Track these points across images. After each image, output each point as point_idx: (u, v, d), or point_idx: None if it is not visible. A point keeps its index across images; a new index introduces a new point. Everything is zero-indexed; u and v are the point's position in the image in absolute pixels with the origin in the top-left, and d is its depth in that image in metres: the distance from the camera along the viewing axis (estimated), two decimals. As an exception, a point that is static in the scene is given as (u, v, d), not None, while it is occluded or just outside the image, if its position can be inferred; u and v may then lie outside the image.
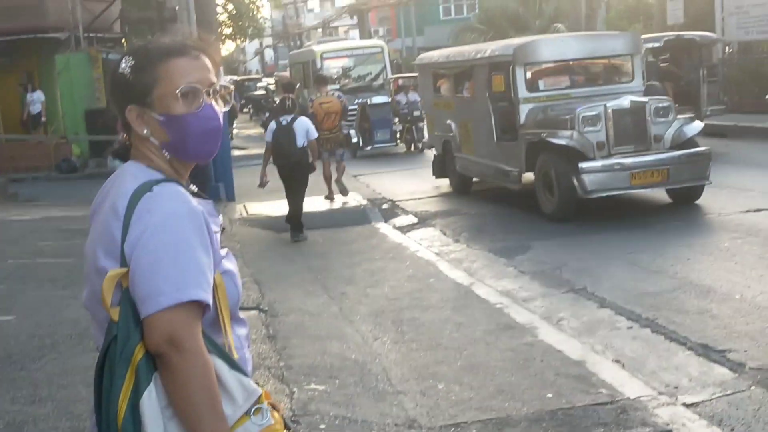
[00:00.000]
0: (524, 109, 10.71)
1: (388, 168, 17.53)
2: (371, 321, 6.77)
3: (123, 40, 23.40)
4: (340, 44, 27.99)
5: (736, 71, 20.61)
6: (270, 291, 7.56)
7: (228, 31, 37.76)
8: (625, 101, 10.01)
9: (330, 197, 12.91)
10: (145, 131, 1.89)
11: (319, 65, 23.38)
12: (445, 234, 10.31)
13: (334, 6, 66.31)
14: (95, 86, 20.03)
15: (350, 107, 21.24)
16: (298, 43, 59.22)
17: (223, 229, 7.30)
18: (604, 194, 9.73)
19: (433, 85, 14.22)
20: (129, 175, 1.89)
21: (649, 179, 9.73)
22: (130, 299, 1.76)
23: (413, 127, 19.90)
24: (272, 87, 40.31)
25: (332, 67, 23.91)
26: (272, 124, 10.49)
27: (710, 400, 4.69)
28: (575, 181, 9.64)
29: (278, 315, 6.79)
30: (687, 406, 4.62)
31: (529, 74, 10.93)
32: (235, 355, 1.86)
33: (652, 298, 6.67)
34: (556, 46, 11.50)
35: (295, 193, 10.41)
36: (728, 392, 4.76)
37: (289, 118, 10.29)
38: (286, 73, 43.93)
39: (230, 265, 1.95)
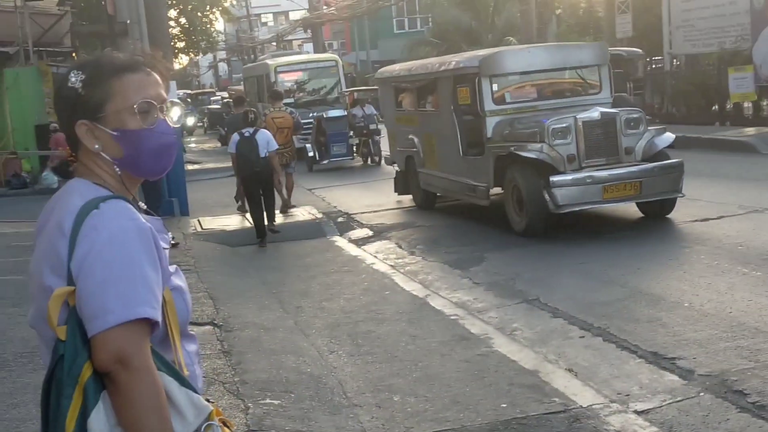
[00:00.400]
0: (491, 123, 10.44)
1: (343, 181, 17.54)
2: (327, 334, 6.77)
3: (73, 54, 23.12)
4: (294, 58, 27.98)
5: (683, 83, 21.05)
6: (224, 306, 7.51)
7: (181, 44, 37.47)
8: (595, 113, 9.77)
9: (287, 206, 13.16)
10: (96, 146, 1.88)
11: (273, 79, 23.40)
12: (400, 246, 10.35)
13: (288, 20, 66.28)
14: (45, 101, 19.76)
15: (306, 121, 20.82)
16: (252, 56, 59.07)
17: (175, 244, 7.27)
18: (576, 209, 9.44)
19: (394, 99, 13.86)
20: (75, 192, 1.87)
21: (622, 192, 9.46)
22: (77, 318, 1.74)
23: (369, 141, 19.88)
24: (229, 101, 40.17)
25: (286, 80, 23.98)
26: (235, 136, 10.99)
27: (661, 407, 4.78)
28: (546, 196, 9.33)
29: (233, 330, 6.75)
30: (638, 413, 4.70)
31: (495, 86, 10.62)
32: (186, 372, 1.86)
33: (604, 308, 6.77)
34: (523, 57, 11.02)
35: (265, 202, 10.97)
36: (678, 399, 4.85)
37: (251, 130, 10.87)
38: (241, 87, 43.83)
39: (179, 281, 1.94)
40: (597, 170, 9.48)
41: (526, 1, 26.05)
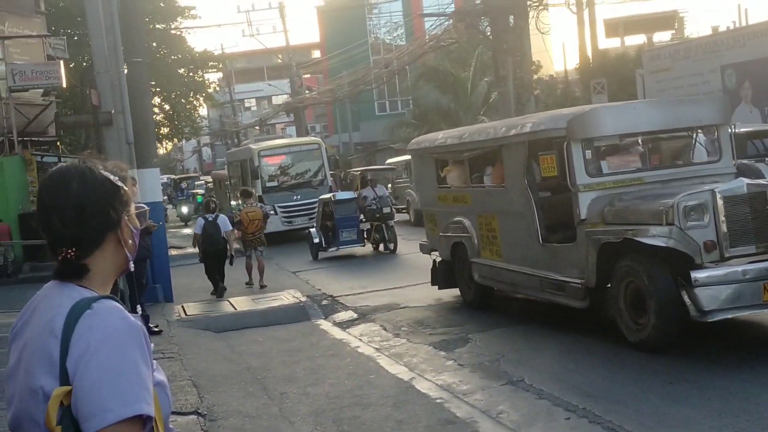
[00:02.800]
0: (585, 199, 8.29)
1: (326, 264, 17.58)
2: (312, 421, 6.72)
3: (58, 143, 23.32)
4: (277, 142, 28.02)
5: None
6: (208, 394, 7.46)
7: (165, 130, 37.88)
8: (739, 185, 7.50)
9: (250, 284, 15.14)
10: (130, 241, 2.02)
11: (257, 163, 23.56)
12: (385, 329, 10.34)
13: (270, 104, 67.24)
14: (29, 189, 19.84)
15: (290, 204, 22.93)
16: (236, 140, 59.73)
17: (159, 332, 7.28)
18: (729, 315, 7.22)
19: (435, 174, 11.77)
20: (61, 293, 1.92)
21: None
22: (71, 417, 1.78)
23: (383, 226, 18.20)
24: (210, 185, 40.49)
25: (270, 164, 24.09)
26: (200, 220, 14.25)
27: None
28: (686, 297, 7.20)
29: (217, 419, 6.69)
30: (625, 495, 4.68)
31: (589, 153, 8.52)
32: None
33: (588, 388, 6.78)
34: (624, 115, 8.87)
35: (218, 269, 14.09)
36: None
37: (212, 216, 14.03)
38: (224, 171, 44.15)
39: (161, 376, 2.00)
40: (752, 262, 7.27)
41: (504, 82, 26.65)
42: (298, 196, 23.11)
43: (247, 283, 15.05)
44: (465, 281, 11.00)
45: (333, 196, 19.23)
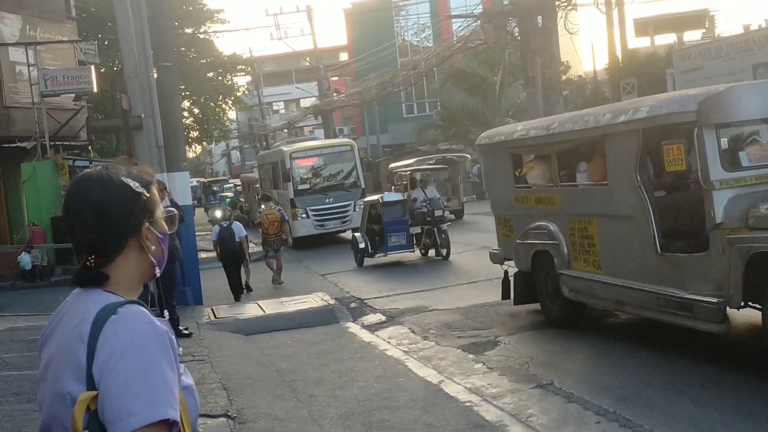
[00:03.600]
0: (720, 199, 6.85)
1: (352, 265, 17.60)
2: (341, 424, 6.72)
3: (89, 147, 23.58)
4: (309, 144, 27.29)
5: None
6: (238, 396, 7.49)
7: (195, 134, 38.18)
8: None
9: (277, 280, 16.22)
10: (153, 248, 2.02)
11: (288, 165, 23.21)
12: (413, 332, 10.32)
13: (299, 107, 67.48)
14: (61, 193, 20.08)
15: (322, 207, 22.61)
16: (264, 143, 60.01)
17: (189, 334, 7.33)
18: None
19: (511, 172, 10.29)
20: (88, 299, 1.94)
21: None
22: (98, 421, 1.79)
23: (435, 231, 16.90)
24: (239, 188, 40.74)
25: (302, 167, 23.69)
26: (216, 228, 15.11)
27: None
28: None
29: (246, 422, 6.72)
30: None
31: (725, 142, 7.10)
32: None
33: (618, 391, 6.72)
34: None
35: (236, 272, 14.64)
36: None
37: (227, 223, 14.85)
38: (253, 175, 44.37)
39: (188, 380, 2.00)
40: None
41: (532, 83, 26.53)
42: (331, 199, 22.77)
43: (274, 280, 16.18)
44: (549, 296, 9.57)
45: (381, 198, 17.92)
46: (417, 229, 17.25)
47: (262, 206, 17.25)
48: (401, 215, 17.03)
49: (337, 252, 19.04)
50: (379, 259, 17.03)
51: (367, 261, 17.16)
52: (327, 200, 22.61)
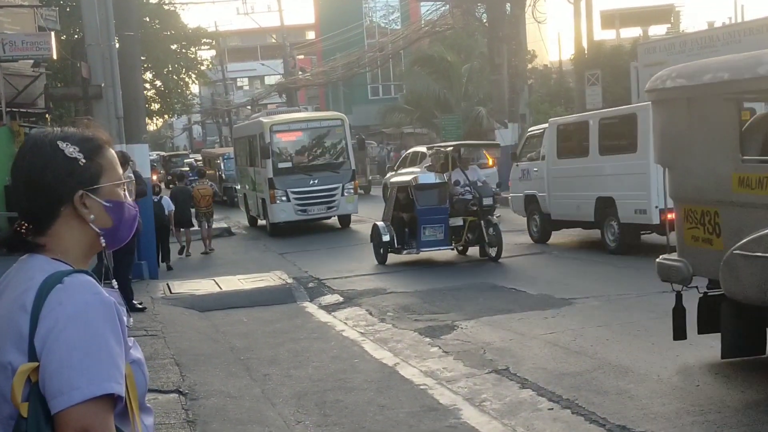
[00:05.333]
0: None
1: (314, 246, 17.51)
2: (294, 403, 6.68)
3: (47, 116, 23.12)
4: (293, 115, 23.43)
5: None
6: (190, 373, 7.39)
7: (156, 107, 37.62)
8: None
9: (207, 251, 17.72)
10: (92, 216, 1.89)
11: (268, 139, 20.01)
12: (371, 313, 10.29)
13: (263, 84, 66.94)
14: (16, 161, 19.67)
15: (307, 189, 19.55)
16: (227, 119, 59.47)
17: (143, 309, 7.22)
18: None
19: (733, 133, 6.40)
20: (33, 267, 1.85)
21: None
22: (39, 394, 1.72)
23: (481, 222, 13.35)
24: (200, 163, 40.29)
25: (284, 142, 20.60)
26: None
27: (629, 482, 4.73)
28: None
29: (198, 398, 6.63)
30: (606, 488, 4.65)
31: None
32: None
33: (572, 379, 6.76)
34: None
35: (164, 239, 15.34)
36: (646, 474, 4.81)
37: (158, 197, 15.38)
38: (215, 150, 43.90)
39: (138, 354, 1.93)
40: None
41: (498, 71, 26.60)
42: (316, 181, 19.85)
43: (202, 253, 17.71)
44: None
45: (415, 179, 14.56)
46: (458, 221, 13.63)
47: (197, 182, 18.86)
48: (439, 202, 13.70)
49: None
50: (408, 256, 13.93)
51: (391, 257, 13.96)
52: (311, 182, 19.78)
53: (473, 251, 14.15)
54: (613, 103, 25.11)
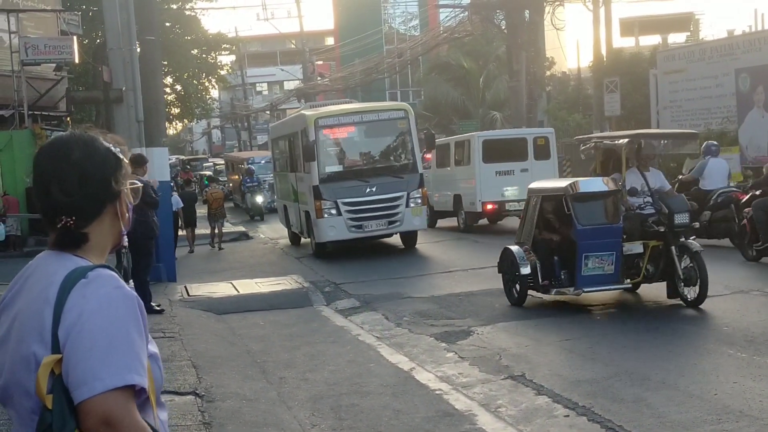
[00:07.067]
0: None
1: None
2: (309, 407, 6.70)
3: (68, 119, 23.32)
4: (344, 107, 18.11)
5: (669, 161, 21.33)
6: (207, 375, 7.44)
7: (176, 111, 37.88)
8: None
9: (212, 245, 19.95)
10: (127, 215, 2.00)
11: (312, 137, 15.87)
12: (387, 318, 10.30)
13: (282, 89, 67.16)
14: (37, 162, 19.82)
15: (361, 199, 15.72)
16: (246, 124, 59.69)
17: (161, 311, 7.27)
18: None
19: None
20: (56, 262, 1.89)
21: None
22: (62, 386, 1.75)
23: (672, 249, 9.32)
24: (219, 168, 40.56)
25: (332, 140, 16.45)
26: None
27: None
28: None
29: (215, 400, 6.67)
30: (621, 495, 4.63)
31: None
32: None
33: (589, 386, 6.74)
34: None
35: (175, 234, 15.99)
36: (662, 481, 4.78)
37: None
38: (236, 154, 44.06)
39: (154, 348, 1.98)
40: None
41: (516, 78, 26.56)
42: (374, 188, 15.76)
43: (210, 245, 20.14)
44: None
45: (574, 185, 9.66)
46: (636, 247, 9.57)
47: (210, 186, 21.77)
48: (609, 219, 9.56)
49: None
50: (565, 296, 9.87)
51: (532, 297, 10.20)
52: (368, 190, 15.73)
53: (649, 289, 10.05)
54: (632, 110, 25.04)
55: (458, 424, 6.05)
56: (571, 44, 43.50)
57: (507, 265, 10.31)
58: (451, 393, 6.84)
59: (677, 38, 34.66)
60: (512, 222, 18.86)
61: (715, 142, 15.13)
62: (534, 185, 10.82)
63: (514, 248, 10.13)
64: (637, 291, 10.25)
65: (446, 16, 38.42)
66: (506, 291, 10.42)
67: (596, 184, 9.96)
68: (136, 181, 2.11)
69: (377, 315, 10.57)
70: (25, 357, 1.81)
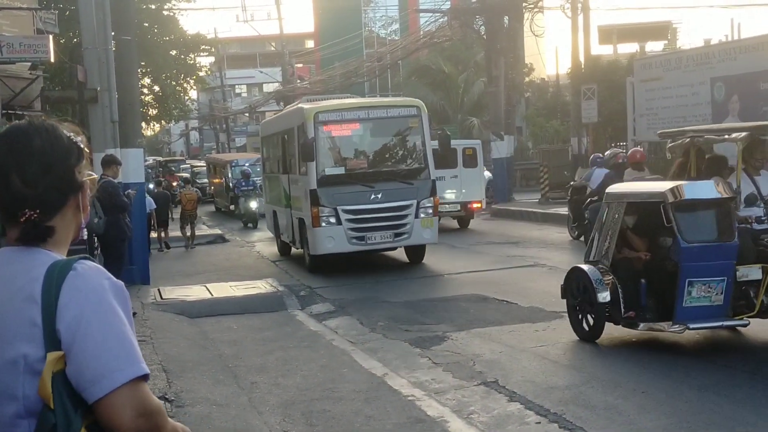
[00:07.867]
0: None
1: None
2: (280, 412, 6.64)
3: (43, 118, 23.06)
4: (347, 101, 16.01)
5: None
6: (177, 379, 7.35)
7: (153, 112, 37.63)
8: None
9: (188, 246, 20.25)
10: (88, 207, 1.95)
11: (311, 133, 13.94)
12: (361, 323, 10.25)
13: (261, 91, 67.01)
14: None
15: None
16: (224, 126, 59.44)
17: (134, 314, 7.11)
18: None
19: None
20: (26, 260, 1.81)
21: None
22: (63, 383, 1.71)
23: None
24: (196, 170, 40.33)
25: (333, 137, 14.39)
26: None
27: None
28: None
29: (184, 405, 6.59)
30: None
31: None
32: None
33: (561, 393, 6.73)
34: None
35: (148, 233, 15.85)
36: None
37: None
38: (218, 155, 43.80)
39: None
40: None
41: (495, 84, 26.64)
42: (380, 195, 13.99)
43: (186, 246, 20.34)
44: None
45: (677, 189, 7.51)
46: (754, 272, 7.40)
47: (184, 187, 21.91)
48: (723, 235, 7.48)
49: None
50: (663, 332, 7.82)
51: (613, 331, 8.22)
52: (373, 196, 13.95)
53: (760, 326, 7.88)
54: (609, 117, 25.20)
55: (430, 430, 6.02)
56: (550, 51, 43.74)
57: (576, 289, 8.29)
58: (423, 399, 6.81)
59: (655, 46, 34.94)
60: (476, 224, 19.87)
61: None
62: (614, 189, 8.66)
63: (587, 268, 8.13)
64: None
65: (426, 21, 38.50)
66: (572, 321, 8.42)
67: (706, 189, 7.60)
68: (91, 173, 2.04)
69: (352, 319, 10.52)
70: (10, 360, 1.73)
